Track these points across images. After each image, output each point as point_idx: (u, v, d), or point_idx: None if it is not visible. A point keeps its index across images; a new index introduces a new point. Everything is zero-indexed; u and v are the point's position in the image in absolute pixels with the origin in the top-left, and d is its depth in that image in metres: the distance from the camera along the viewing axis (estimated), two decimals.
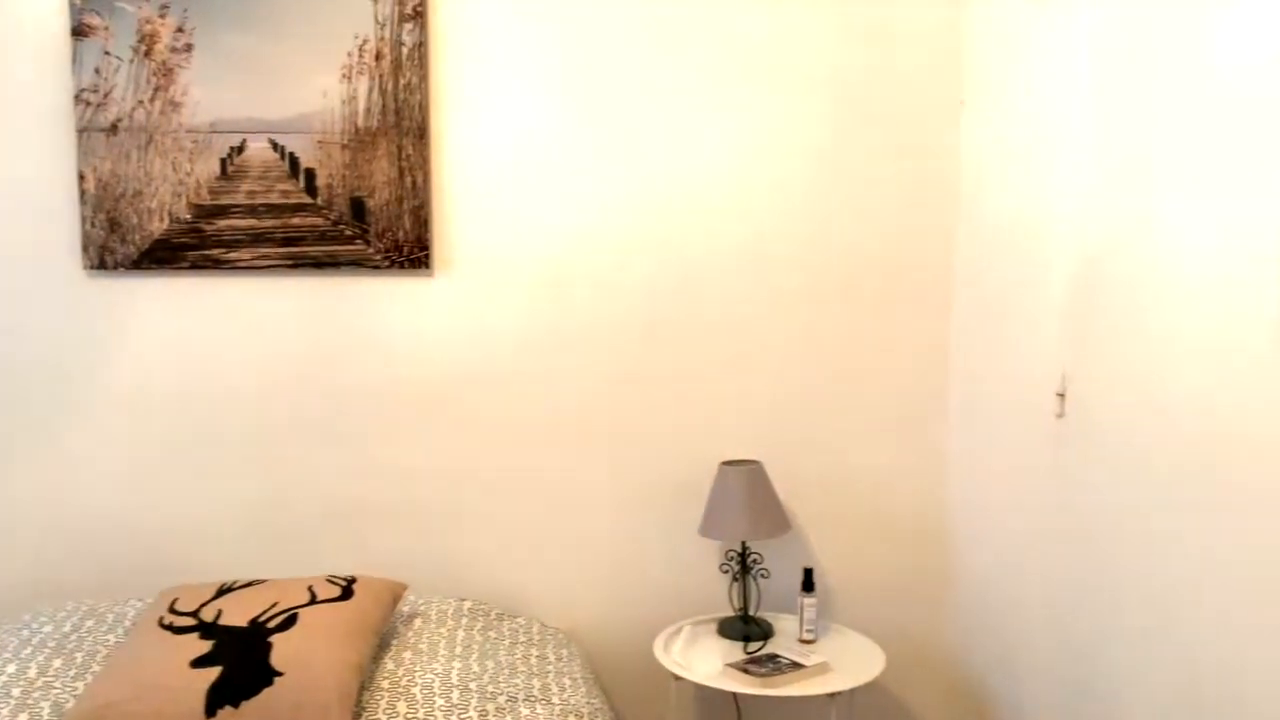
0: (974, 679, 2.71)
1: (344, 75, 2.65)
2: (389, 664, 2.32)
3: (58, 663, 2.26)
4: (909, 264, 2.80)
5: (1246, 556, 1.62)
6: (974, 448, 2.69)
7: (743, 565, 2.69)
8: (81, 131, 2.61)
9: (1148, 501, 1.90)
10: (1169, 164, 1.84)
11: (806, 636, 2.63)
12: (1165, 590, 1.85)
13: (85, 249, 2.64)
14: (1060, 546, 2.23)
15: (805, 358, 2.80)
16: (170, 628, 2.23)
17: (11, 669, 2.23)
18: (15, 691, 2.15)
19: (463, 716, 2.15)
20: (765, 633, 2.66)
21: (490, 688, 2.26)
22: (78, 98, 2.60)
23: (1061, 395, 2.22)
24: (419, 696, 2.20)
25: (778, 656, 2.51)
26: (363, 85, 2.65)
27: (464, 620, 2.57)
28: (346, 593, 2.36)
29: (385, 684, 2.24)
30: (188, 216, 2.65)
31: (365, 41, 2.64)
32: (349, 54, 2.64)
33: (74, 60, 2.59)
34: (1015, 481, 2.45)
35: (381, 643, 2.40)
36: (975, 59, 2.67)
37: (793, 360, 2.80)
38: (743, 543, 2.67)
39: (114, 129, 2.61)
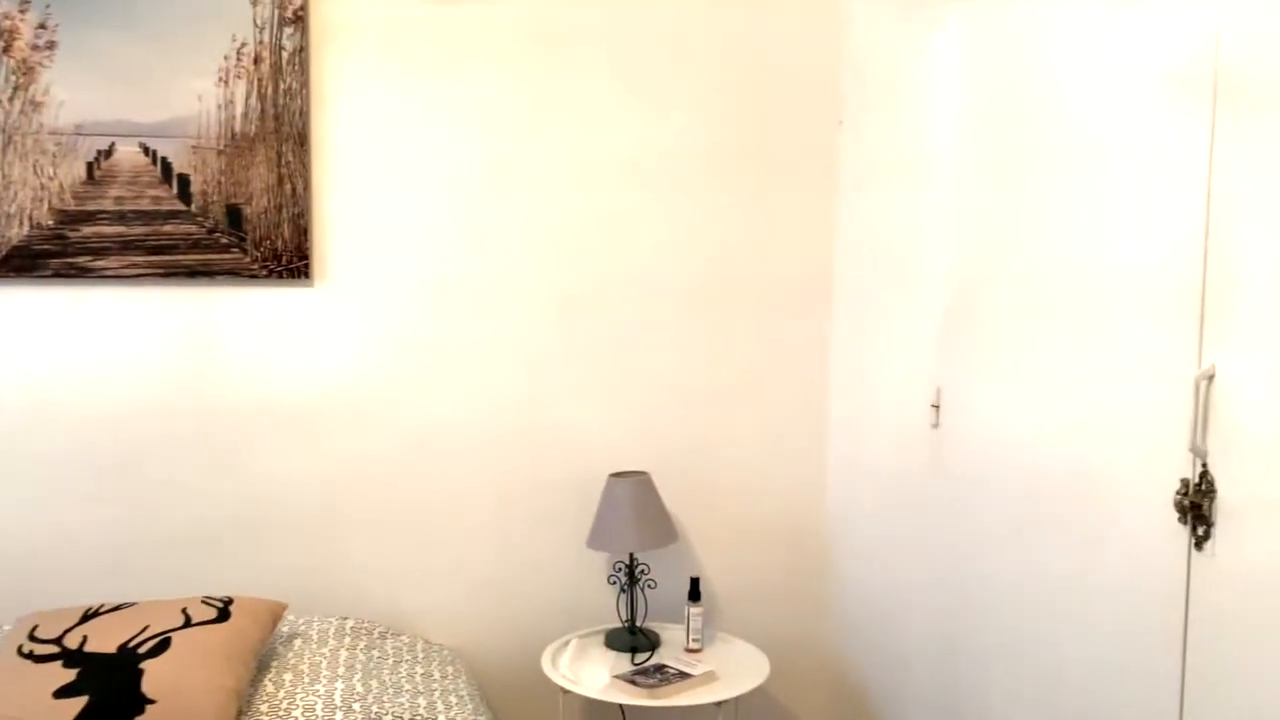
0: (857, 681, 2.78)
1: (221, 79, 2.56)
2: (269, 687, 2.25)
3: None
4: (791, 278, 2.86)
5: (1095, 562, 1.71)
6: (856, 457, 2.77)
7: (630, 576, 2.70)
8: None
9: (1012, 508, 1.98)
10: (1030, 188, 1.93)
11: (693, 645, 2.65)
12: (1026, 593, 1.93)
13: None
14: (934, 551, 2.31)
15: (692, 370, 2.83)
16: (30, 656, 2.11)
17: None
18: None
19: None
20: (653, 643, 2.68)
21: (375, 708, 2.21)
22: None
23: (936, 407, 2.31)
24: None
25: (665, 666, 2.53)
26: (240, 89, 2.57)
27: (346, 639, 2.51)
28: (223, 614, 2.28)
29: (264, 708, 2.17)
30: (50, 222, 2.52)
31: (244, 45, 2.56)
32: (226, 57, 2.56)
33: None
34: (893, 489, 2.53)
35: (261, 665, 2.33)
36: (853, 81, 2.75)
37: (680, 372, 2.83)
38: (630, 554, 2.69)
39: None
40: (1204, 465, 1.48)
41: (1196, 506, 1.49)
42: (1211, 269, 1.47)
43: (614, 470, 2.74)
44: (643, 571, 2.73)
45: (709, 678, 2.48)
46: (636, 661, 2.57)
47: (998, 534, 2.04)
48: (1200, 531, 1.49)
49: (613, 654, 2.64)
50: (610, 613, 2.80)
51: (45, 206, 2.52)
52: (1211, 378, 1.47)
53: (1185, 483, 1.51)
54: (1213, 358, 1.47)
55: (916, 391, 2.38)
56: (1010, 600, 2.00)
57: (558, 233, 2.74)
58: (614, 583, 2.79)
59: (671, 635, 2.74)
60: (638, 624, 2.73)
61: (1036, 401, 1.91)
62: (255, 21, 2.56)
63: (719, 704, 2.43)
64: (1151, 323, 1.60)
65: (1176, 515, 1.53)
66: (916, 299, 2.39)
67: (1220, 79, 1.45)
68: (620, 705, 2.72)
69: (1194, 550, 1.51)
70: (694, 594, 2.66)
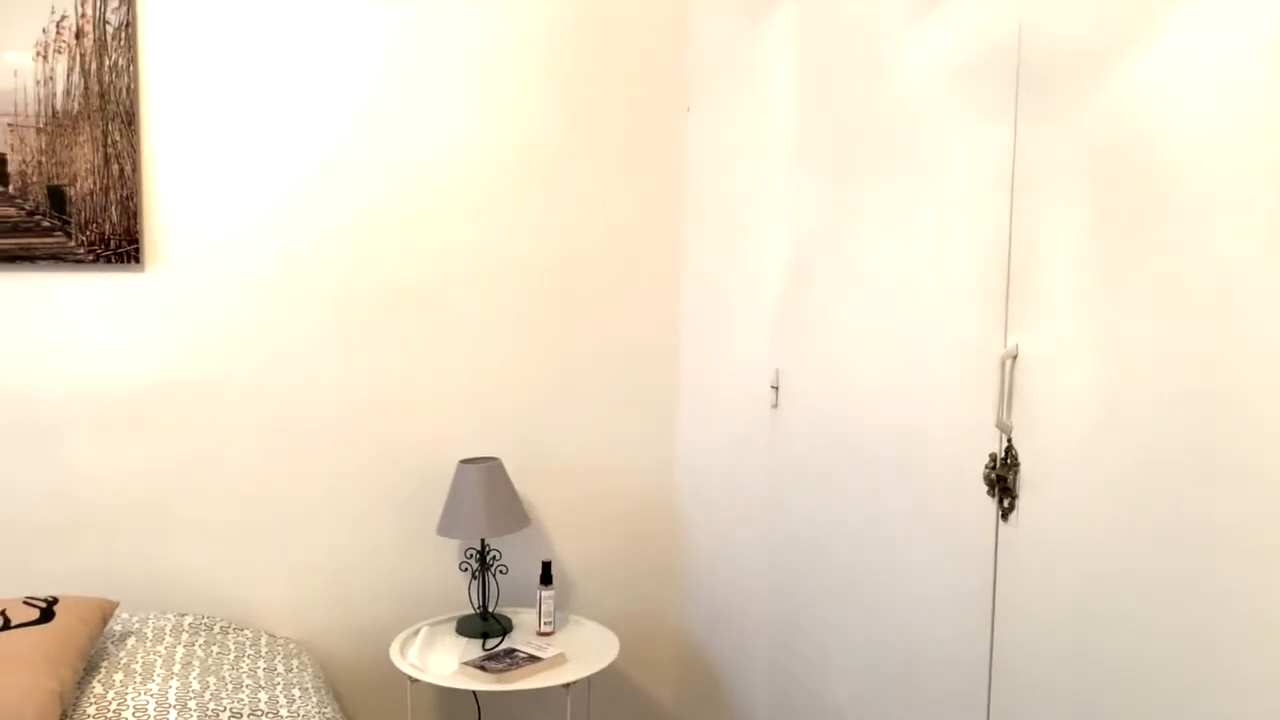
0: (705, 657, 2.85)
1: (39, 53, 2.43)
2: (97, 688, 2.16)
3: None
4: (640, 260, 2.89)
5: (920, 536, 1.79)
6: (704, 438, 2.82)
7: (482, 563, 2.70)
8: None
9: (843, 485, 2.06)
10: (853, 175, 2.00)
11: (545, 629, 2.67)
12: (855, 566, 2.01)
13: None
14: (773, 528, 2.38)
15: (541, 353, 2.84)
16: None
17: None
18: None
19: None
20: (504, 629, 2.68)
21: (212, 705, 2.15)
22: None
23: (776, 388, 2.37)
24: None
25: (515, 651, 2.53)
26: (61, 65, 2.45)
27: (184, 636, 2.43)
28: (46, 615, 2.18)
29: (92, 710, 2.09)
30: None
31: (64, 18, 2.44)
32: (44, 31, 2.43)
33: None
34: (737, 469, 2.59)
35: (91, 665, 2.23)
36: (699, 68, 2.79)
37: (529, 356, 2.83)
38: (482, 540, 2.68)
39: None
40: (1009, 440, 1.57)
41: (1002, 479, 1.57)
42: (1015, 252, 1.55)
43: (464, 456, 2.73)
44: (494, 558, 2.72)
45: (558, 660, 2.50)
46: (487, 647, 2.57)
47: (831, 511, 2.12)
48: (1006, 504, 1.58)
49: (464, 641, 2.63)
50: (462, 600, 2.79)
51: None
52: (1015, 357, 1.55)
53: (993, 457, 1.60)
54: (1016, 338, 1.55)
55: (757, 373, 2.44)
56: (840, 573, 2.08)
57: (399, 220, 2.70)
58: (465, 570, 2.78)
59: (524, 620, 2.75)
60: (490, 610, 2.73)
61: (862, 382, 1.99)
62: None
63: (567, 685, 2.45)
64: (963, 304, 1.68)
65: (986, 488, 1.61)
66: (756, 283, 2.45)
67: (1021, 68, 1.53)
68: (474, 692, 2.73)
69: (1001, 521, 1.59)
70: (545, 578, 2.68)
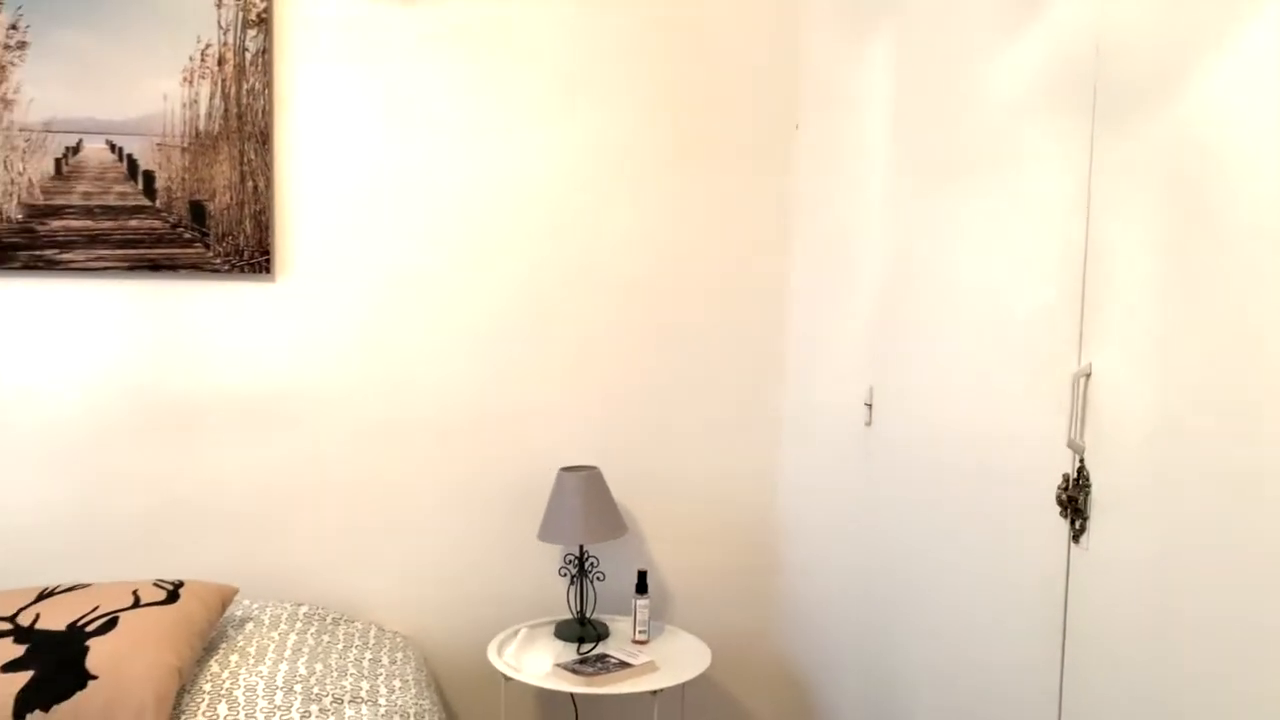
0: (797, 671, 2.83)
1: (185, 79, 2.65)
2: (214, 667, 2.32)
3: None
4: (746, 276, 2.91)
5: (994, 557, 1.76)
6: (804, 454, 2.82)
7: (580, 568, 2.76)
8: None
9: (928, 504, 2.03)
10: (942, 194, 1.98)
11: (639, 637, 2.71)
12: (938, 584, 1.98)
13: None
14: (864, 545, 2.36)
15: (644, 366, 2.89)
16: None
17: None
18: None
19: (284, 717, 2.17)
20: (600, 634, 2.74)
21: (316, 689, 2.28)
22: None
23: (869, 405, 2.36)
24: (241, 699, 2.21)
25: (607, 656, 2.58)
26: (205, 89, 2.65)
27: (298, 624, 2.58)
28: (172, 596, 2.35)
29: (207, 687, 2.24)
30: (19, 216, 2.61)
31: (208, 46, 2.64)
32: (191, 57, 2.64)
33: None
34: (832, 485, 2.58)
35: (210, 646, 2.40)
36: (808, 87, 2.80)
37: (632, 369, 2.89)
38: (580, 546, 2.75)
39: None
40: (1081, 460, 1.53)
41: (1074, 500, 1.54)
42: (1090, 270, 1.52)
43: (565, 465, 2.80)
44: (592, 564, 2.79)
45: (648, 667, 2.54)
46: (581, 651, 2.63)
47: (916, 529, 2.09)
48: (1077, 525, 1.54)
49: (560, 644, 2.70)
50: (561, 604, 2.86)
51: (14, 201, 2.61)
52: (1088, 375, 1.51)
53: (1066, 477, 1.56)
54: (1090, 356, 1.52)
55: (853, 391, 2.43)
56: (923, 593, 2.05)
57: (512, 232, 2.81)
58: (564, 575, 2.85)
59: (620, 627, 2.80)
60: (587, 615, 2.79)
61: (944, 399, 1.96)
62: (219, 23, 2.64)
63: (654, 693, 2.48)
64: (1039, 322, 1.65)
65: (1058, 509, 1.58)
66: (854, 300, 2.45)
67: (1099, 87, 1.50)
68: (572, 695, 2.80)
69: (1072, 543, 1.55)
70: (641, 587, 2.72)
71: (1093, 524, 1.51)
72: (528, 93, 2.79)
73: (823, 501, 2.66)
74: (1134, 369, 1.42)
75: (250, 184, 2.69)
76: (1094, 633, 1.51)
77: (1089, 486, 1.51)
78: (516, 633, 2.77)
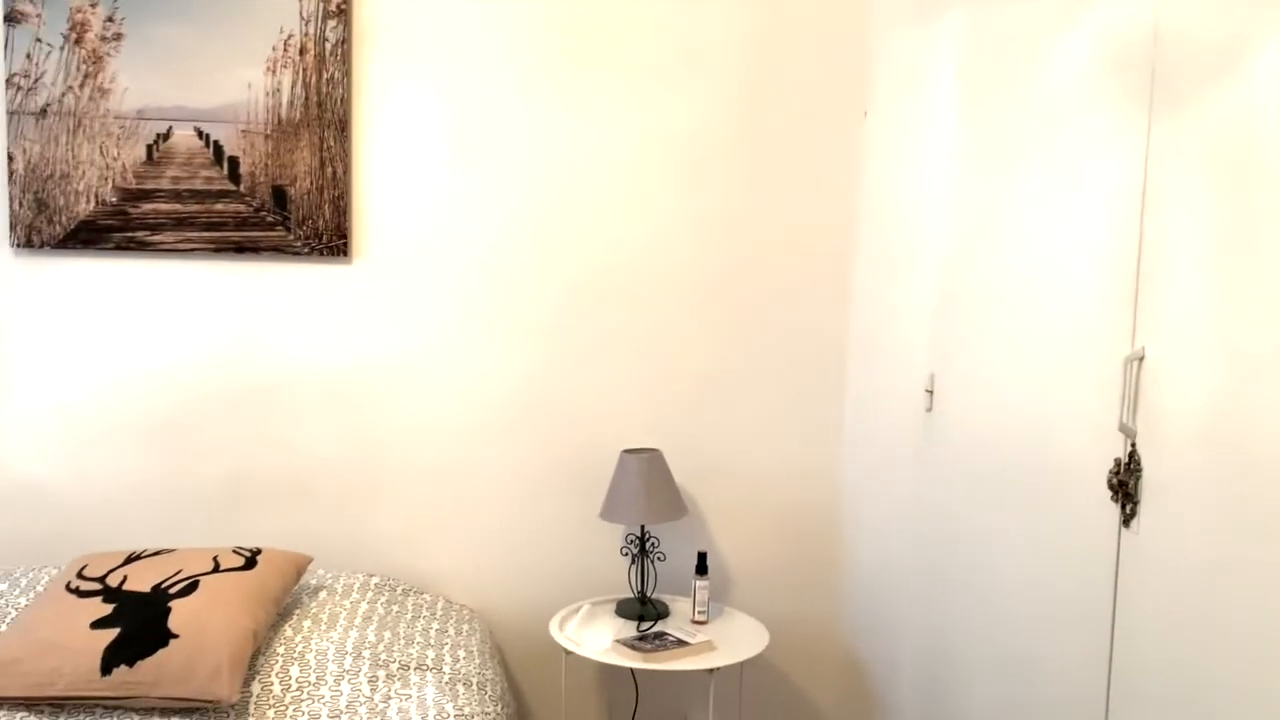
0: (855, 655, 2.85)
1: (269, 68, 2.75)
2: (287, 631, 2.43)
3: None
4: (810, 263, 2.93)
5: (1047, 540, 1.76)
6: (867, 439, 2.83)
7: (641, 548, 2.81)
8: (12, 114, 2.70)
9: (985, 487, 2.03)
10: (999, 179, 1.97)
11: (699, 617, 2.75)
12: (993, 566, 1.99)
13: (13, 228, 2.73)
14: (923, 531, 2.37)
15: (707, 351, 2.93)
16: (76, 591, 2.32)
17: None
18: None
19: (353, 681, 2.26)
20: (660, 613, 2.79)
21: (384, 656, 2.37)
22: (9, 82, 2.69)
23: (930, 391, 2.36)
24: (312, 662, 2.31)
25: (666, 634, 2.63)
26: (286, 78, 2.76)
27: (369, 594, 2.68)
28: (250, 563, 2.46)
29: (280, 650, 2.35)
30: (113, 199, 2.75)
31: (290, 36, 2.75)
32: (274, 48, 2.75)
33: (6, 46, 2.68)
34: (891, 471, 2.59)
35: (284, 612, 2.51)
36: (877, 75, 2.80)
37: (695, 353, 2.92)
38: (642, 526, 2.80)
39: (43, 113, 2.71)
40: (1133, 444, 1.53)
41: (1124, 485, 1.53)
42: (1145, 256, 1.51)
43: (627, 447, 2.85)
44: (653, 544, 2.84)
45: (706, 646, 2.58)
46: (641, 629, 2.69)
47: (973, 513, 2.09)
48: (1128, 509, 1.53)
49: (620, 621, 2.76)
50: (622, 584, 2.92)
51: (109, 185, 2.75)
52: (1141, 359, 1.51)
53: (1117, 462, 1.56)
54: (1143, 341, 1.51)
55: (914, 377, 2.43)
56: (979, 577, 2.06)
57: (579, 217, 2.87)
58: (626, 554, 2.90)
59: (680, 607, 2.85)
60: (648, 594, 2.84)
61: (1002, 383, 1.96)
62: (301, 15, 2.74)
63: (711, 670, 2.52)
64: (1093, 306, 1.64)
65: (1109, 493, 1.57)
66: (916, 287, 2.45)
67: (1157, 73, 1.49)
68: (632, 672, 2.86)
69: (1123, 527, 1.55)
70: (701, 568, 2.76)
71: (1143, 509, 1.51)
72: (599, 82, 2.84)
73: (883, 487, 2.66)
74: (1188, 354, 1.41)
75: (329, 170, 2.79)
76: (1143, 619, 1.50)
77: (1140, 471, 1.51)
78: (578, 609, 2.83)
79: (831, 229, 2.92)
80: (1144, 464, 1.50)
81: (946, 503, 2.25)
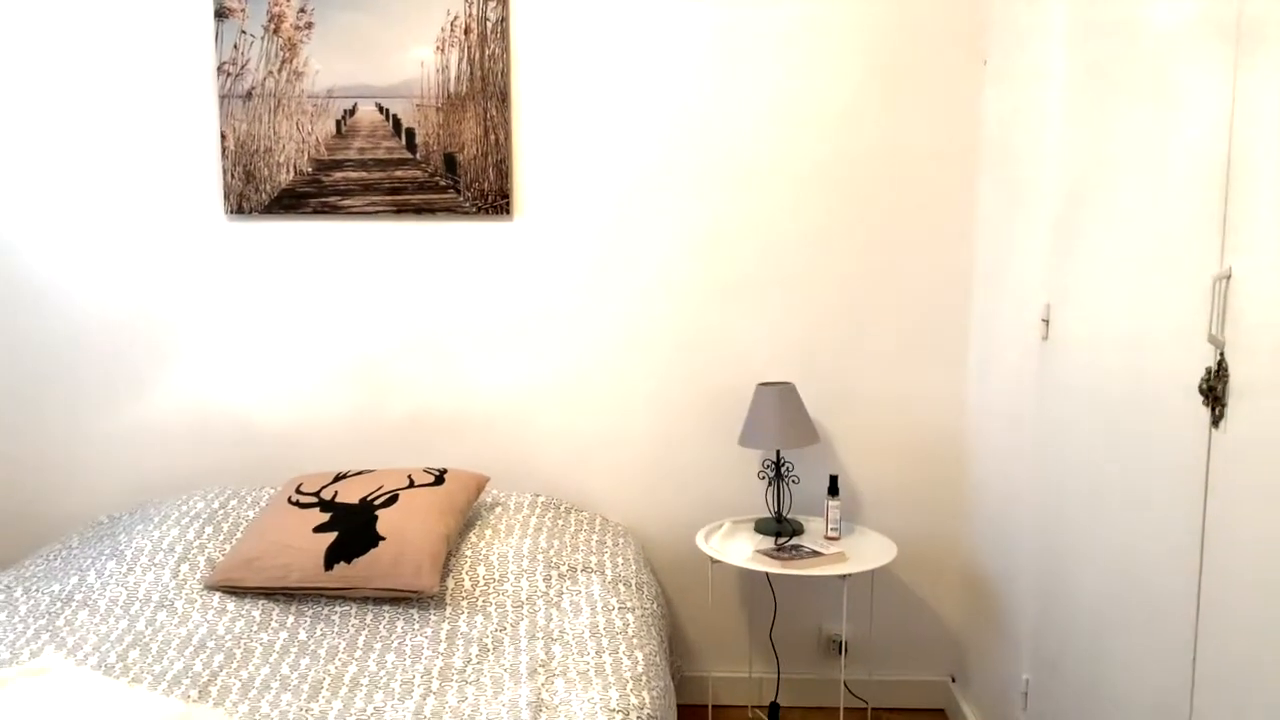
0: (977, 569, 3.08)
1: (438, 47, 3.10)
2: (472, 538, 2.81)
3: (209, 529, 2.81)
4: (933, 202, 3.13)
5: (1142, 449, 1.97)
6: (985, 368, 3.04)
7: (777, 471, 3.10)
8: (223, 98, 3.12)
9: (1095, 411, 2.24)
10: (1110, 114, 2.16)
11: (831, 534, 3.02)
12: (1100, 484, 2.20)
13: (226, 197, 3.16)
14: (1039, 454, 2.58)
15: (836, 290, 3.17)
16: (297, 504, 2.75)
17: (174, 532, 2.78)
18: (178, 549, 2.71)
19: (530, 579, 2.62)
20: (795, 530, 3.07)
21: (555, 559, 2.73)
22: (219, 69, 3.11)
23: (1046, 321, 2.56)
24: (495, 563, 2.68)
25: (801, 546, 2.92)
26: (454, 56, 3.10)
27: (537, 510, 3.04)
28: (439, 480, 2.85)
29: (468, 552, 2.73)
30: (309, 169, 3.15)
31: (456, 18, 3.08)
32: (442, 29, 3.09)
33: (216, 38, 3.10)
34: (1010, 398, 2.80)
35: (467, 524, 2.89)
36: (996, 22, 2.98)
37: (825, 291, 3.17)
38: (777, 451, 3.08)
39: (249, 95, 3.12)
40: (1221, 354, 1.73)
41: (1214, 389, 1.74)
42: (1232, 185, 1.71)
43: (762, 381, 3.13)
44: (788, 469, 3.12)
45: (838, 557, 2.85)
46: (779, 542, 2.98)
47: (1083, 433, 2.30)
48: (1216, 411, 1.74)
49: (759, 536, 3.05)
50: (760, 506, 3.21)
51: (305, 157, 3.15)
52: (1228, 278, 1.70)
53: (1208, 369, 1.76)
54: (1230, 261, 1.71)
55: (1031, 307, 2.64)
56: (1090, 485, 2.27)
57: (714, 169, 3.13)
58: (762, 478, 3.19)
59: (814, 526, 3.12)
60: (784, 514, 3.12)
61: (1108, 308, 2.16)
62: None
63: (843, 577, 2.80)
64: (1186, 231, 1.84)
65: (1200, 398, 1.78)
66: (1032, 223, 2.64)
67: (1244, 7, 1.67)
68: (768, 578, 3.16)
69: (1212, 428, 1.76)
70: (833, 490, 3.02)
71: (1230, 410, 1.71)
72: (739, 43, 3.09)
73: (1003, 414, 2.87)
74: (1270, 272, 1.61)
75: (492, 137, 3.13)
76: (1231, 503, 1.71)
77: (1227, 377, 1.71)
78: (720, 526, 3.14)
79: (955, 171, 3.12)
80: (1231, 371, 1.70)
81: (1060, 424, 2.46)
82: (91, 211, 3.19)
